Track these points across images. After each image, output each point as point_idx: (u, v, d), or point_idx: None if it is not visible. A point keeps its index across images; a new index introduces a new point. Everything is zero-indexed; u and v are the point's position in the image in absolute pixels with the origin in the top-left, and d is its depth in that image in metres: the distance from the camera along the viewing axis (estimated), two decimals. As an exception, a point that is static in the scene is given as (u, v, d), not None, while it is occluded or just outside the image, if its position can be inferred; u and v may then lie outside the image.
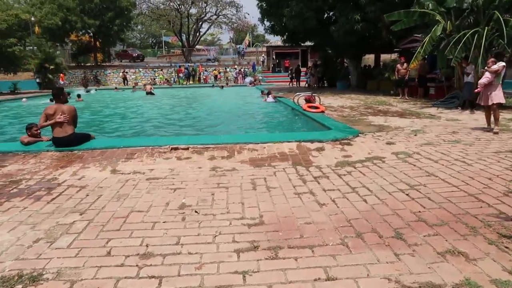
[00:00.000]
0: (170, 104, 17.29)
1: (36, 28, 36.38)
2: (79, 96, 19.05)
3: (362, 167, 4.84)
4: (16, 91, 28.39)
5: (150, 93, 23.49)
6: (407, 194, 3.78)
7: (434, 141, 6.24)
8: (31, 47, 38.48)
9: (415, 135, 6.73)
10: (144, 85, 29.53)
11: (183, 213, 3.46)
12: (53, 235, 3.02)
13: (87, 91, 26.11)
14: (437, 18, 11.05)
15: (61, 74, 32.03)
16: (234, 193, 3.98)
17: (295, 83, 28.19)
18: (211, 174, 4.68)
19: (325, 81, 24.74)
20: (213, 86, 31.11)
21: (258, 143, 6.01)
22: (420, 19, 11.62)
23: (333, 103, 12.97)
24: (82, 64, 40.71)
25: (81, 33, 39.42)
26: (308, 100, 10.61)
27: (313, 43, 24.14)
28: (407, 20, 11.76)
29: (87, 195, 4.00)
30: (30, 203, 3.79)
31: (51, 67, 31.54)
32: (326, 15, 19.90)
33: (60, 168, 5.02)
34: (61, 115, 5.76)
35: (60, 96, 6.00)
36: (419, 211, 3.34)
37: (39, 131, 6.19)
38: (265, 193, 3.94)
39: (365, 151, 5.63)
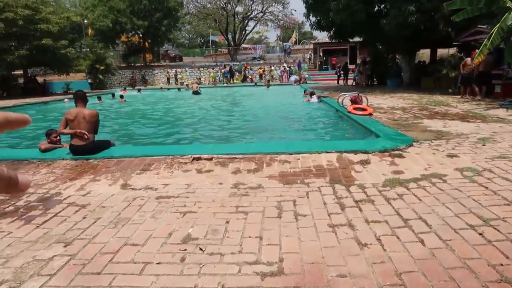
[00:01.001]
0: (210, 105, 16.89)
1: (89, 30, 37.89)
2: (121, 96, 19.19)
3: (417, 188, 3.90)
4: (68, 91, 29.60)
5: (196, 92, 23.34)
6: (480, 234, 2.82)
7: (509, 153, 5.09)
8: (84, 49, 40.24)
9: (484, 145, 5.59)
10: (188, 84, 29.64)
11: (185, 250, 2.77)
12: (22, 277, 2.45)
13: (138, 91, 26.59)
14: (507, 5, 9.58)
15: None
16: (253, 221, 3.23)
17: (342, 81, 26.87)
18: (232, 193, 3.97)
19: (374, 79, 23.25)
20: (255, 85, 30.52)
21: (291, 154, 5.21)
22: (486, 8, 10.16)
23: (383, 104, 11.81)
24: (132, 64, 41.86)
25: (131, 34, 40.45)
26: (354, 101, 9.59)
27: (362, 39, 22.73)
28: (470, 9, 10.33)
29: (84, 218, 3.44)
30: (18, 226, 3.29)
31: (102, 67, 32.59)
32: (376, 8, 18.53)
33: (69, 181, 4.54)
34: (82, 120, 5.33)
35: (82, 99, 5.57)
36: (501, 264, 2.40)
37: (58, 137, 5.83)
38: (291, 224, 3.16)
39: (420, 166, 4.65)
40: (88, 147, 5.35)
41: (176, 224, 3.23)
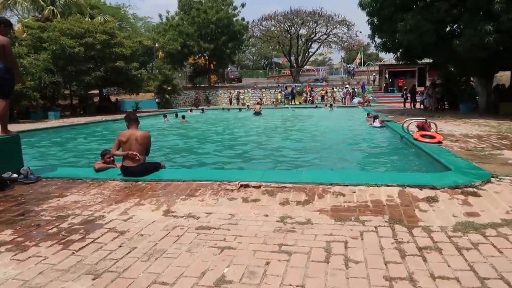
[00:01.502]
0: (268, 126, 16.78)
1: (160, 53, 40.20)
2: (183, 117, 19.78)
3: (496, 236, 3.27)
4: (138, 109, 31.37)
5: (258, 113, 23.52)
6: None
7: None
8: (153, 70, 42.66)
9: None
10: (248, 105, 29.99)
11: (215, 295, 2.47)
12: (43, 312, 2.30)
13: (202, 111, 27.53)
14: None
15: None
16: (296, 265, 2.85)
17: (409, 104, 25.47)
18: (277, 228, 3.62)
19: (445, 103, 21.70)
20: (316, 107, 30.07)
21: (346, 185, 4.75)
22: None
23: (455, 130, 10.79)
24: (197, 85, 43.58)
25: (197, 56, 42.27)
26: (421, 127, 8.82)
27: (431, 60, 21.46)
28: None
29: (120, 246, 3.29)
30: (55, 251, 3.22)
31: (169, 88, 34.23)
32: (448, 28, 17.39)
33: (115, 203, 4.50)
34: (134, 141, 5.36)
35: (134, 121, 5.62)
36: None
37: (112, 158, 5.92)
38: (340, 272, 2.73)
39: (501, 208, 3.96)
40: (138, 169, 5.34)
41: (212, 262, 2.95)
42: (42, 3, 28.38)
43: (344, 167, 7.22)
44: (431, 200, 4.25)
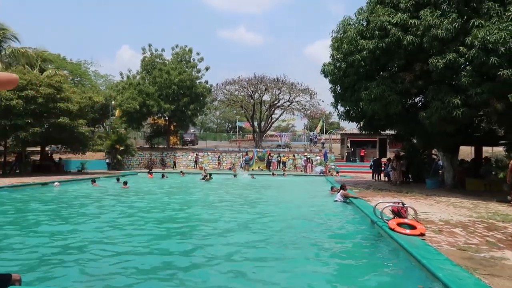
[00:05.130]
0: (214, 200, 14.26)
1: (117, 111, 38.24)
2: (125, 183, 17.39)
3: None
4: (83, 171, 28.53)
5: (206, 178, 21.72)
6: None
7: None
8: (108, 129, 40.37)
9: None
10: (206, 170, 28.03)
11: None
12: None
13: (162, 176, 24.53)
14: None
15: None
16: None
17: (372, 175, 24.49)
18: None
19: (409, 177, 20.78)
20: (272, 174, 28.60)
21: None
22: None
23: (431, 214, 9.28)
24: (155, 146, 41.39)
25: (157, 116, 40.61)
26: (397, 213, 7.19)
27: (395, 131, 20.85)
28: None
29: None
30: None
31: (121, 148, 31.89)
32: (413, 99, 16.89)
33: None
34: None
35: None
36: None
37: None
38: None
39: None
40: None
41: None
42: (-16, 52, 26.31)
43: (291, 278, 5.02)
44: None
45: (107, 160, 32.36)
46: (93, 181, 18.08)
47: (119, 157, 32.27)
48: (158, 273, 5.16)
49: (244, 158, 34.72)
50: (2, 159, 26.26)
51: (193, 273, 5.20)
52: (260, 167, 34.58)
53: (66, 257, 5.88)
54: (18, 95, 20.51)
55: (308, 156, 33.80)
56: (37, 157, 28.94)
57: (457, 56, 12.62)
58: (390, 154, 31.02)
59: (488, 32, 11.71)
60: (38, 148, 28.57)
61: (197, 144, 48.21)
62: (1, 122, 20.32)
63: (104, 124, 46.57)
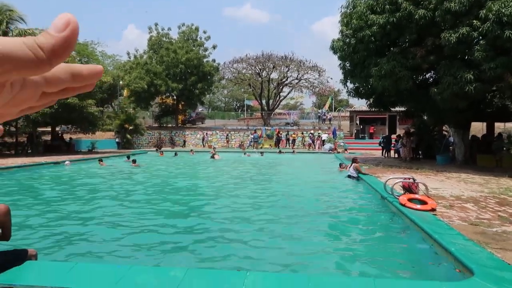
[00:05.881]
0: (226, 177, 14.47)
1: (125, 91, 38.27)
2: (134, 161, 17.52)
3: None
4: (93, 150, 28.83)
5: (214, 156, 21.82)
6: None
7: None
8: (116, 109, 40.45)
9: None
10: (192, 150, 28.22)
11: None
12: None
13: (175, 154, 25.18)
14: None
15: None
16: None
17: (381, 152, 24.39)
18: None
19: (420, 153, 20.66)
20: (279, 152, 28.57)
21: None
22: None
23: (442, 189, 9.25)
24: (164, 125, 41.55)
25: (165, 96, 40.59)
26: (407, 189, 7.17)
27: (405, 108, 20.61)
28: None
29: None
30: None
31: (130, 127, 32.08)
32: (424, 75, 16.57)
33: None
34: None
35: None
36: None
37: None
38: None
39: None
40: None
41: None
42: (-7, 33, 26.25)
43: (300, 258, 4.89)
44: None
45: (117, 140, 32.62)
46: (100, 160, 18.25)
47: (128, 136, 32.50)
48: (174, 247, 5.25)
49: (252, 136, 34.75)
50: (14, 140, 26.65)
51: (209, 248, 5.27)
52: (270, 145, 34.64)
53: (79, 232, 6.01)
54: (27, 76, 20.55)
55: (318, 133, 33.73)
56: (48, 138, 29.26)
57: (470, 30, 12.30)
58: (400, 131, 30.75)
59: (503, 5, 11.36)
60: (49, 129, 28.86)
61: (202, 123, 47.81)
62: (11, 103, 20.44)
63: (113, 104, 46.72)
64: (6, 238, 3.58)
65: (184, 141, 36.56)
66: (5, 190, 10.47)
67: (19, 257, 3.58)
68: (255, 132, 35.07)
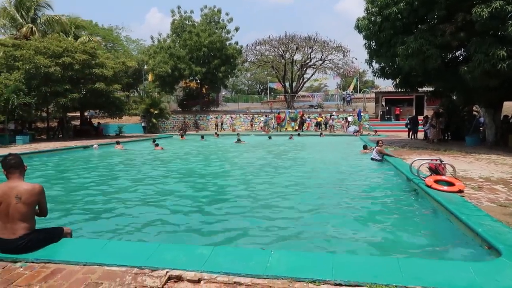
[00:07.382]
0: (247, 162, 14.27)
1: (150, 76, 38.77)
2: (157, 145, 17.81)
3: None
4: (121, 134, 29.55)
5: (239, 141, 21.90)
6: None
7: None
8: (141, 93, 41.09)
9: None
10: (216, 133, 28.38)
11: None
12: None
13: (201, 137, 25.43)
14: None
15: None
16: None
17: (408, 134, 23.87)
18: None
19: (448, 134, 20.11)
20: (298, 134, 28.31)
21: (341, 286, 2.90)
22: None
23: (471, 171, 9.02)
24: (187, 109, 41.99)
25: (189, 80, 40.85)
26: (434, 170, 7.03)
27: (433, 88, 20.00)
28: None
29: None
30: None
31: (156, 112, 32.60)
32: (454, 53, 15.97)
33: None
34: (13, 200, 3.49)
35: (15, 168, 3.65)
36: None
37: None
38: None
39: None
40: (20, 243, 3.47)
41: None
42: (21, 20, 26.96)
43: (328, 237, 4.93)
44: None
45: (143, 124, 33.29)
46: (118, 143, 18.66)
47: (154, 120, 33.09)
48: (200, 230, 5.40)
49: (263, 120, 34.68)
50: (46, 125, 27.64)
51: (234, 228, 5.38)
52: (295, 128, 34.45)
53: (109, 211, 6.26)
54: (56, 62, 21.13)
55: (344, 116, 33.38)
56: (77, 122, 30.19)
57: (504, 3, 11.70)
58: (427, 112, 29.92)
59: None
60: (78, 114, 29.75)
61: (218, 106, 46.89)
62: (42, 89, 21.14)
63: (138, 88, 47.46)
64: (44, 214, 3.79)
65: (218, 124, 36.15)
66: (41, 173, 10.94)
67: (55, 234, 3.79)
68: (279, 115, 34.92)
